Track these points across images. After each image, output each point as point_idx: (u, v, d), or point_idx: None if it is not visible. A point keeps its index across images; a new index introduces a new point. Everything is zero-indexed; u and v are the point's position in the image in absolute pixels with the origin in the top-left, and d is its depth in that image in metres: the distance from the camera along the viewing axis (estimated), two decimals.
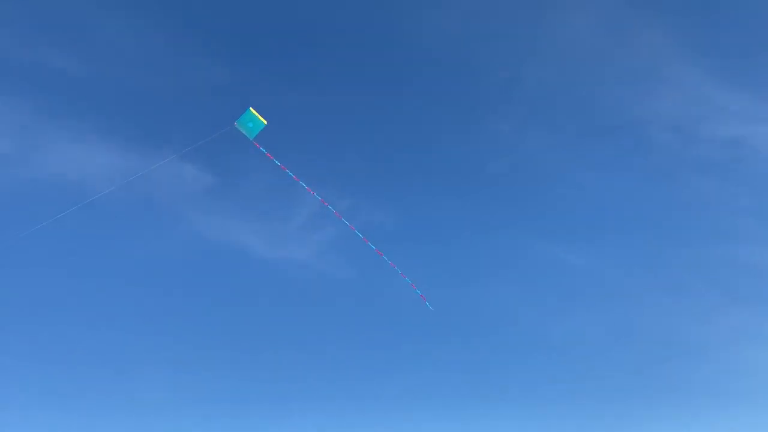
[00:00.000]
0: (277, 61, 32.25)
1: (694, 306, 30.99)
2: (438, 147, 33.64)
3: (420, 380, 28.66)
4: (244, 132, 19.52)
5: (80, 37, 29.13)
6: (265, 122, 19.33)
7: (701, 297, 31.09)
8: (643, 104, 34.06)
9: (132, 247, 29.20)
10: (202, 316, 29.03)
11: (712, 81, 33.32)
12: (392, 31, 33.17)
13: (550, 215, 33.29)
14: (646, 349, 30.03)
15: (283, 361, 28.42)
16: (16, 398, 24.38)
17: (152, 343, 27.47)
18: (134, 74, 30.03)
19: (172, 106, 30.57)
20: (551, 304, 31.30)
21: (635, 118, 34.08)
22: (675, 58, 33.45)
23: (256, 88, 31.14)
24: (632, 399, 28.29)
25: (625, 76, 34.01)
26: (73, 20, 28.84)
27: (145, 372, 26.42)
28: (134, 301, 28.34)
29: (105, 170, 28.86)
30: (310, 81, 32.61)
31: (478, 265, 32.21)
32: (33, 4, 28.09)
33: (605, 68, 33.90)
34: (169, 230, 29.91)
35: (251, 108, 19.20)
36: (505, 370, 29.24)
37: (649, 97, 34.05)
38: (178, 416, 25.46)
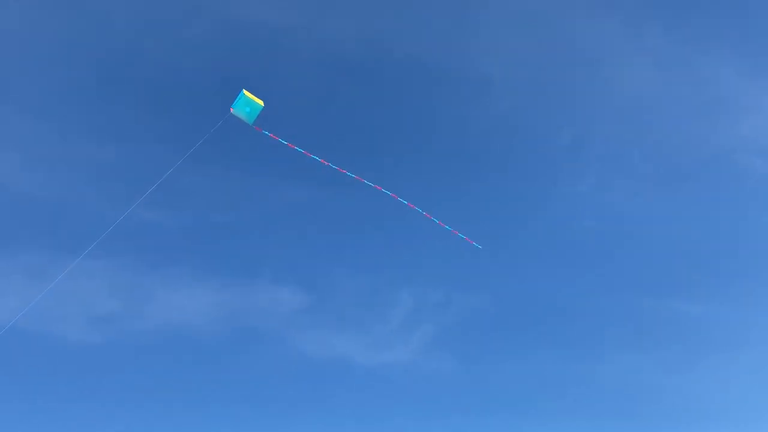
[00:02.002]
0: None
1: None
2: (521, 219, 33.07)
3: None
4: (241, 117, 18.10)
5: (167, 189, 31.16)
6: (262, 103, 17.88)
7: None
8: (721, 134, 32.29)
9: (237, 374, 29.70)
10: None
11: None
12: (454, 116, 33.83)
13: (654, 266, 31.18)
14: None
15: None
16: None
17: None
18: (220, 213, 31.69)
19: (260, 235, 31.86)
20: (684, 361, 29.06)
21: (717, 149, 32.26)
22: (747, 81, 32.17)
23: (322, 200, 32.28)
24: None
25: (697, 109, 32.68)
26: (157, 175, 31.05)
27: None
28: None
29: (206, 308, 30.37)
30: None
31: (592, 334, 30.44)
32: (122, 166, 30.54)
33: (674, 107, 32.87)
34: (272, 353, 30.38)
35: (245, 90, 17.81)
36: None
37: (726, 126, 32.27)
38: None
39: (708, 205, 32.22)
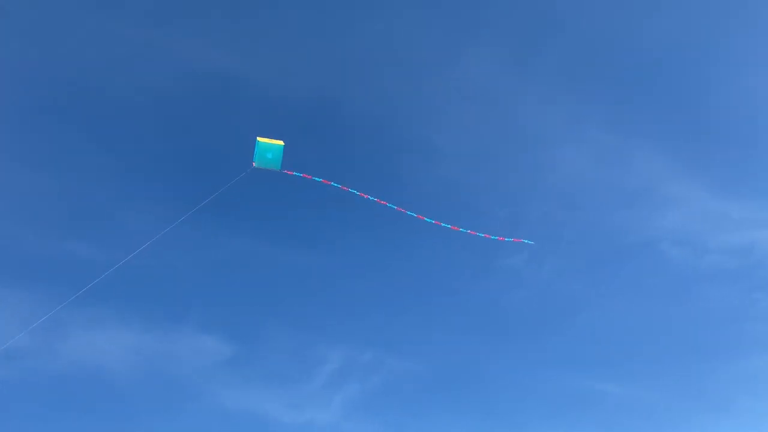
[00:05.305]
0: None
1: (744, 422, 29.47)
2: (456, 286, 33.55)
3: None
4: (266, 167, 17.18)
5: (103, 227, 30.33)
6: (282, 144, 17.01)
7: (749, 412, 29.58)
8: (648, 224, 34.62)
9: (151, 423, 28.23)
10: None
11: (711, 193, 34.52)
12: (395, 177, 34.40)
13: (576, 346, 32.29)
14: None
15: None
16: None
17: None
18: (150, 253, 30.63)
19: (189, 279, 30.94)
20: None
21: (644, 237, 34.45)
22: (673, 175, 34.67)
23: (257, 250, 31.92)
24: None
25: (627, 199, 34.88)
26: (96, 212, 30.45)
27: None
28: None
29: (123, 352, 29.05)
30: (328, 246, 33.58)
31: (516, 407, 30.65)
32: (58, 198, 29.52)
33: (606, 194, 34.98)
34: (190, 405, 29.14)
35: (259, 138, 16.95)
36: None
37: (653, 216, 34.68)
38: None
39: (631, 291, 34.04)
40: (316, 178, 17.94)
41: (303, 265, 32.44)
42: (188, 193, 31.04)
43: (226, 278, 31.40)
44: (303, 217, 32.88)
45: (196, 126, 32.55)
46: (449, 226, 19.85)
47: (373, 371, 30.97)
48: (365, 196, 18.88)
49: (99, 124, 31.08)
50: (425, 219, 19.87)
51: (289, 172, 17.57)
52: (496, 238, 21.15)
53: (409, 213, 19.81)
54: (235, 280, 31.39)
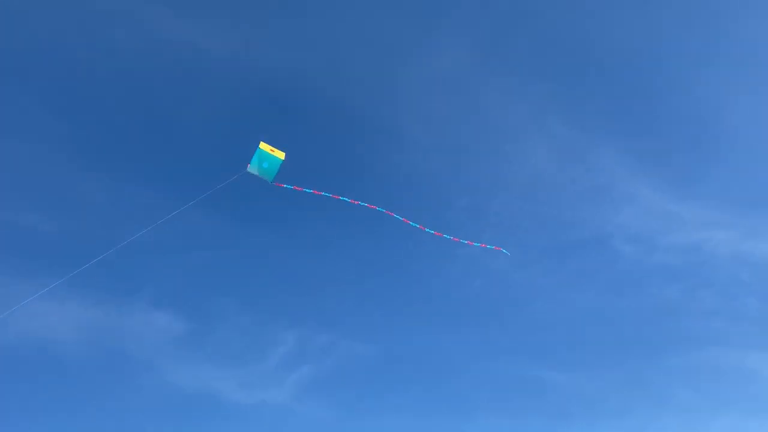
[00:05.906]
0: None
1: (681, 415, 30.88)
2: (410, 274, 34.06)
3: None
4: (260, 175, 16.72)
5: (54, 196, 29.66)
6: (282, 157, 16.58)
7: (687, 405, 31.09)
8: (603, 220, 35.66)
9: (102, 401, 27.94)
10: None
11: (664, 193, 35.65)
12: (362, 160, 34.57)
13: (527, 334, 33.39)
14: None
15: None
16: None
17: None
18: (106, 228, 30.14)
19: (144, 253, 30.52)
20: (545, 427, 30.84)
21: (598, 233, 35.60)
22: (629, 174, 35.72)
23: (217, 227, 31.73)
24: None
25: (584, 195, 35.85)
26: (47, 180, 29.68)
27: None
28: None
29: (75, 325, 28.50)
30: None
31: (466, 395, 31.28)
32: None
33: (564, 189, 35.70)
34: (140, 381, 28.84)
35: (262, 143, 16.46)
36: None
37: (608, 213, 35.79)
38: None
39: (582, 284, 35.15)
40: (307, 190, 17.70)
41: (260, 245, 32.37)
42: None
43: (182, 255, 31.05)
44: (262, 199, 32.75)
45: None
46: (432, 231, 20.30)
47: (327, 354, 31.25)
48: (356, 203, 18.96)
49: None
50: (410, 223, 20.04)
51: (280, 185, 17.29)
52: (479, 245, 21.79)
53: (396, 216, 19.91)
54: (191, 257, 31.12)
